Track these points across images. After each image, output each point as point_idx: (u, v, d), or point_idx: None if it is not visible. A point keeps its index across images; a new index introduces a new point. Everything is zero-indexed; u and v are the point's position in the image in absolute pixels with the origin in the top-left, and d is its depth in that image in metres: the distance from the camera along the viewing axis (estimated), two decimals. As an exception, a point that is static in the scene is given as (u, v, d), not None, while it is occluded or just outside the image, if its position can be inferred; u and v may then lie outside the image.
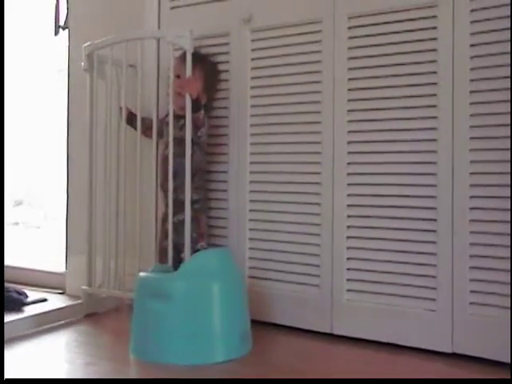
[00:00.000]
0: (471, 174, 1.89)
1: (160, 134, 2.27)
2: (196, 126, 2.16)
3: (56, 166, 3.18)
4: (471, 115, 1.88)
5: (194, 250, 2.12)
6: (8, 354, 1.97)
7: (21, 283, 2.88)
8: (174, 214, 2.18)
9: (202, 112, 2.17)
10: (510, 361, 1.78)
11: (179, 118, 2.19)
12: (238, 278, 2.00)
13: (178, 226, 2.17)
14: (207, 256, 2.00)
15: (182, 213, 2.13)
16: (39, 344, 2.09)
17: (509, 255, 1.81)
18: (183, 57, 2.16)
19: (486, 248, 1.87)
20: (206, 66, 2.29)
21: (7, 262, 3.01)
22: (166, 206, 2.21)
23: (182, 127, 2.13)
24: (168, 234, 2.18)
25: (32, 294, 2.67)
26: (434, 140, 1.96)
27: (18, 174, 3.61)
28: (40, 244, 3.78)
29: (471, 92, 1.89)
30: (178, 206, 2.15)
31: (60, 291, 2.81)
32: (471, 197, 1.89)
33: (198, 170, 2.26)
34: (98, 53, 2.39)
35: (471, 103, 1.89)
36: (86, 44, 2.39)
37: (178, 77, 2.19)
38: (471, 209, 1.89)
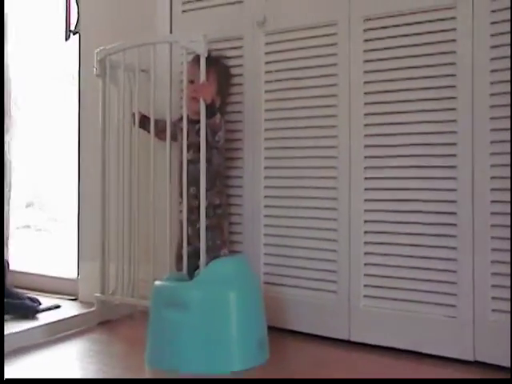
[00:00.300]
0: (492, 190, 1.87)
1: (174, 138, 2.24)
2: (213, 131, 2.14)
3: (66, 169, 3.16)
4: (492, 126, 1.87)
5: (217, 258, 2.08)
6: (21, 363, 1.97)
7: (33, 289, 2.88)
8: (195, 219, 2.15)
9: (218, 116, 2.14)
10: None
11: (195, 122, 2.15)
12: (255, 286, 1.98)
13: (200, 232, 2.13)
14: (223, 264, 1.98)
15: (206, 219, 2.11)
16: (53, 353, 2.08)
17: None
18: (196, 61, 2.14)
19: (507, 254, 1.83)
20: (220, 69, 2.28)
21: (19, 267, 3.02)
22: (188, 211, 2.17)
23: (199, 132, 2.09)
24: (189, 240, 2.16)
25: (45, 301, 2.67)
26: (454, 144, 1.94)
27: (27, 175, 3.60)
28: (50, 248, 3.76)
29: (491, 95, 1.86)
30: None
31: (73, 297, 2.79)
32: (492, 201, 1.87)
33: (218, 175, 2.25)
34: (110, 58, 2.36)
35: (491, 106, 1.86)
36: (98, 49, 2.38)
37: (191, 82, 2.17)
38: (492, 214, 1.86)
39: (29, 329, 2.21)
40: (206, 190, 2.11)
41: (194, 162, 2.15)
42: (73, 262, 2.88)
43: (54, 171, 3.59)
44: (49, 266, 3.16)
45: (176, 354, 1.85)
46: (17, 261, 3.22)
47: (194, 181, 2.13)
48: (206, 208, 2.12)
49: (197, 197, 2.12)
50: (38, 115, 3.43)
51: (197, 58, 2.14)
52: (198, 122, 2.11)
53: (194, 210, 2.15)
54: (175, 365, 1.85)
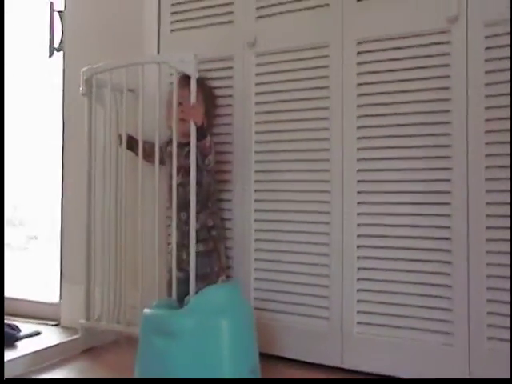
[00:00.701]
0: (487, 203, 1.86)
1: (162, 162, 2.20)
2: (203, 154, 2.10)
3: (47, 187, 3.11)
4: (487, 151, 1.87)
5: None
6: None
7: (12, 314, 2.81)
8: (189, 244, 2.09)
9: (209, 138, 2.10)
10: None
11: (184, 145, 2.13)
12: (247, 314, 1.94)
13: (197, 258, 2.08)
14: (215, 291, 1.94)
15: (201, 243, 2.11)
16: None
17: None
18: (183, 82, 2.11)
19: (502, 280, 1.83)
20: (205, 90, 2.25)
21: None
22: (180, 236, 2.13)
23: (188, 155, 2.06)
24: (182, 265, 2.13)
25: (24, 327, 2.59)
26: (449, 169, 1.94)
27: (6, 192, 3.53)
28: (29, 268, 3.68)
29: (486, 120, 1.87)
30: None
31: (54, 323, 2.73)
32: (487, 227, 1.86)
33: (209, 196, 2.22)
34: (96, 77, 2.33)
35: (486, 131, 1.86)
36: (84, 68, 2.34)
37: (180, 104, 2.13)
38: (488, 240, 1.86)
39: (8, 361, 2.13)
40: (198, 212, 2.08)
41: (183, 186, 2.12)
42: (54, 284, 2.81)
43: (35, 189, 3.52)
44: (28, 289, 3.09)
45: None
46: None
47: (184, 205, 2.10)
48: (200, 230, 2.11)
49: (187, 222, 2.09)
50: (20, 131, 3.37)
51: (183, 79, 2.11)
52: (186, 144, 2.08)
53: (185, 235, 2.10)
54: (165, 394, 1.81)
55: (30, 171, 3.47)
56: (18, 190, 3.62)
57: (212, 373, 1.82)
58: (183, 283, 2.07)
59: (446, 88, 1.93)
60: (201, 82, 2.19)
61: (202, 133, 2.07)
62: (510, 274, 1.82)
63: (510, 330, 1.81)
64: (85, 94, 2.36)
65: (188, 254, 2.09)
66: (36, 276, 3.30)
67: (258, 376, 1.91)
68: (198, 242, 2.10)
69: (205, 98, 2.23)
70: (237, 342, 1.86)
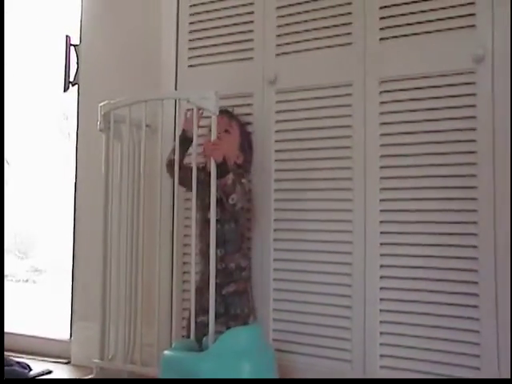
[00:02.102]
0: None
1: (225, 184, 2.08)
2: (224, 192, 2.05)
3: (55, 220, 3.11)
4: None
5: None
6: None
7: (21, 351, 2.79)
8: (220, 284, 2.08)
9: (231, 176, 2.03)
10: None
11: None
12: (269, 357, 1.94)
13: (228, 299, 2.10)
14: (236, 333, 1.93)
15: (232, 284, 2.10)
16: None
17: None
18: (227, 113, 2.18)
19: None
20: (242, 124, 2.24)
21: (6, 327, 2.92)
22: (207, 275, 2.07)
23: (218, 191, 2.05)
24: (207, 307, 2.04)
25: (35, 366, 2.57)
26: (475, 212, 1.93)
27: (13, 223, 3.53)
28: (36, 302, 3.66)
29: (513, 163, 1.87)
30: (227, 276, 2.10)
31: (65, 360, 2.70)
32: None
33: (243, 237, 2.19)
34: (114, 112, 2.33)
35: (514, 174, 1.86)
36: (102, 103, 2.35)
37: (226, 131, 2.16)
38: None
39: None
40: (234, 252, 2.11)
41: (220, 222, 2.09)
42: (63, 321, 2.79)
43: (45, 221, 3.52)
44: (36, 324, 3.07)
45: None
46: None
47: (221, 242, 2.08)
48: (234, 270, 2.11)
49: (223, 259, 2.09)
50: (31, 165, 3.38)
51: (226, 112, 2.17)
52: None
53: (218, 273, 2.05)
54: None
55: (41, 203, 3.47)
56: (26, 221, 3.62)
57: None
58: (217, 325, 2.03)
59: (473, 129, 1.94)
60: (236, 117, 2.22)
61: (223, 170, 2.04)
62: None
63: (510, 330, 1.82)
64: (102, 130, 2.36)
65: (219, 295, 2.07)
66: (44, 311, 3.28)
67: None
68: (230, 282, 2.10)
69: (241, 131, 2.22)
70: (258, 386, 1.85)
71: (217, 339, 1.91)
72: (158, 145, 2.27)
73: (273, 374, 1.93)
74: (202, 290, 2.13)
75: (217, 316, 2.05)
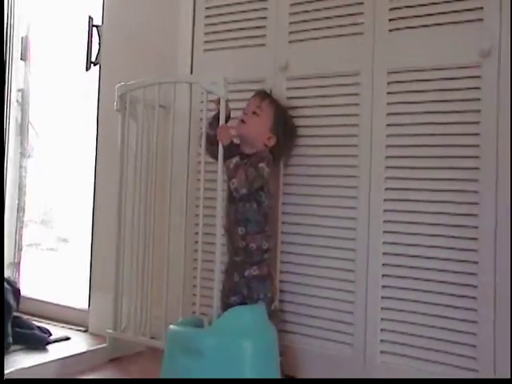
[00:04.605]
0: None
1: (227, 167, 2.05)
2: (227, 175, 2.04)
3: (81, 194, 3.11)
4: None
5: (267, 313, 1.95)
6: None
7: (43, 317, 2.84)
8: (242, 265, 2.08)
9: (234, 161, 2.02)
10: None
11: (244, 157, 2.06)
12: (271, 336, 1.92)
13: (251, 282, 2.07)
14: (240, 312, 1.92)
15: (255, 267, 2.06)
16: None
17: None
18: (258, 95, 2.13)
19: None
20: (276, 106, 2.15)
21: (30, 292, 2.97)
22: (234, 254, 2.09)
23: (247, 166, 2.02)
24: (236, 289, 2.09)
25: (55, 331, 2.61)
26: (476, 204, 1.88)
27: (41, 194, 3.55)
28: (62, 270, 3.67)
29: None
30: (248, 255, 2.06)
31: (83, 329, 2.73)
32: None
33: (266, 218, 2.09)
34: (130, 93, 2.32)
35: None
36: (118, 85, 2.33)
37: (254, 113, 2.10)
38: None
39: (39, 364, 2.17)
40: (256, 233, 2.05)
41: (243, 200, 2.06)
42: (84, 291, 2.81)
43: (69, 195, 3.53)
44: (60, 292, 3.10)
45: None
46: (27, 283, 3.17)
47: (243, 220, 2.06)
48: (255, 251, 2.06)
49: (244, 238, 2.06)
50: (57, 138, 3.39)
51: (260, 93, 2.14)
52: (246, 156, 2.06)
53: (239, 252, 2.07)
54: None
55: (66, 176, 3.47)
56: (52, 191, 3.62)
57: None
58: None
59: (477, 122, 1.88)
60: (273, 100, 2.15)
61: (228, 153, 2.03)
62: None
63: (510, 330, 1.79)
64: (119, 110, 2.36)
65: (241, 277, 2.07)
66: (67, 279, 3.30)
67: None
68: (252, 264, 2.07)
69: (275, 114, 2.13)
70: (258, 364, 1.84)
71: (221, 317, 1.91)
72: (170, 125, 2.25)
73: (274, 354, 1.91)
74: (228, 271, 2.14)
75: (241, 297, 2.08)
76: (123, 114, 2.38)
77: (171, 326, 1.93)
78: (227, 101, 2.06)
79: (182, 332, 1.90)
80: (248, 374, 1.82)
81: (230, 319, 1.88)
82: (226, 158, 2.03)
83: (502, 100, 1.83)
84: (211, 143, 2.11)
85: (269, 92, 2.20)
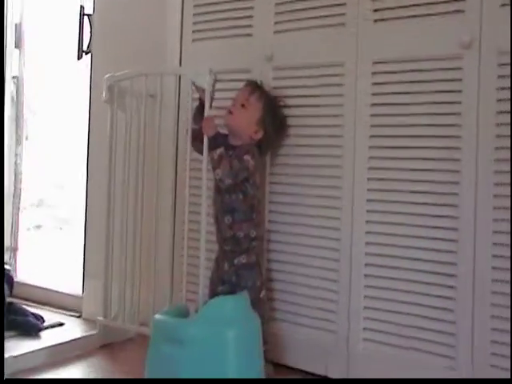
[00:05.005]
0: (494, 232, 1.81)
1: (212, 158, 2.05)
2: (212, 166, 2.03)
3: (76, 176, 3.11)
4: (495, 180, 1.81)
5: (255, 301, 2.00)
6: None
7: (38, 302, 2.87)
8: (232, 254, 2.09)
9: (218, 151, 2.01)
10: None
11: (229, 149, 2.06)
12: (254, 325, 1.92)
13: (239, 270, 2.07)
14: (222, 302, 1.92)
15: (243, 255, 2.06)
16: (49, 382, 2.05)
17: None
18: (248, 87, 2.12)
19: (507, 310, 1.78)
20: (266, 98, 2.12)
21: (26, 278, 2.99)
22: (223, 243, 2.11)
23: (232, 158, 2.02)
24: (224, 277, 2.11)
25: (49, 317, 2.63)
26: (456, 195, 1.88)
27: (38, 176, 3.55)
28: (60, 252, 3.68)
29: (496, 148, 1.80)
30: (236, 243, 2.06)
31: (77, 314, 2.75)
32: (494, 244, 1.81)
33: (254, 207, 2.09)
34: (118, 84, 2.31)
35: (495, 160, 1.79)
36: (106, 76, 2.33)
37: (242, 106, 2.08)
38: (493, 268, 1.81)
39: (30, 352, 2.19)
40: (242, 221, 2.05)
41: (229, 191, 2.06)
42: (78, 277, 2.83)
43: (64, 178, 3.53)
44: (57, 277, 3.11)
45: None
46: (25, 267, 3.20)
47: (229, 210, 2.06)
48: (243, 239, 2.06)
49: (231, 227, 2.06)
50: (52, 124, 3.39)
51: (250, 85, 2.12)
52: (232, 148, 2.06)
53: (228, 242, 2.08)
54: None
55: (62, 161, 3.48)
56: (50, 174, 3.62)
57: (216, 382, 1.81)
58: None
59: (458, 113, 1.87)
60: (263, 92, 2.13)
61: (210, 144, 2.02)
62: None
63: (510, 329, 1.77)
64: (107, 101, 2.34)
65: (231, 265, 2.07)
66: (64, 263, 3.30)
67: (263, 385, 1.89)
68: (241, 253, 2.07)
69: (264, 106, 2.10)
70: (242, 353, 1.86)
71: (204, 306, 1.91)
72: (157, 114, 2.27)
73: (257, 342, 1.92)
74: (217, 260, 2.15)
75: (230, 286, 2.08)
76: (111, 106, 2.37)
77: (156, 316, 1.94)
78: (213, 90, 2.04)
79: (166, 322, 1.91)
80: (231, 363, 1.83)
81: (213, 309, 1.89)
82: (211, 148, 2.02)
83: (482, 92, 1.81)
84: (195, 138, 2.11)
85: (259, 83, 2.17)
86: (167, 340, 1.86)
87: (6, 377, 2.01)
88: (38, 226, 4.15)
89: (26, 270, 3.22)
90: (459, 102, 1.86)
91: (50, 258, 3.53)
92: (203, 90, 2.04)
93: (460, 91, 1.86)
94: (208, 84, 2.02)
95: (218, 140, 2.04)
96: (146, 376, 1.88)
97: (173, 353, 1.83)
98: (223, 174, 2.00)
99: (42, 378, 1.77)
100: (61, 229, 4.20)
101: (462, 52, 1.84)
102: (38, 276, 3.11)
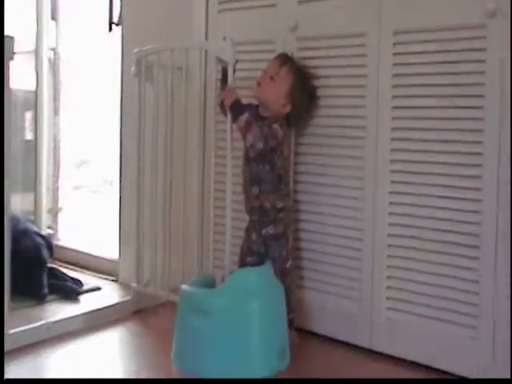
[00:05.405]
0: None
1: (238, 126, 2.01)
2: (241, 135, 1.98)
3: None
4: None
5: (282, 271, 2.02)
6: (56, 353, 2.04)
7: (78, 265, 2.97)
8: (259, 224, 2.08)
9: (243, 118, 1.95)
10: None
11: (260, 119, 2.03)
12: (278, 296, 1.93)
13: (268, 241, 2.07)
14: (246, 274, 1.94)
15: (271, 226, 2.06)
16: (85, 346, 2.12)
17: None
18: (279, 59, 2.09)
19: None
20: (296, 71, 2.08)
21: (66, 242, 3.07)
22: (251, 213, 2.11)
23: (262, 126, 1.98)
24: (253, 248, 2.12)
25: (87, 280, 2.72)
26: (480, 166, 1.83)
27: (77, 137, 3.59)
28: (102, 212, 3.71)
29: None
30: (263, 214, 2.06)
31: (114, 278, 2.81)
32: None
33: (282, 178, 2.07)
34: (146, 58, 2.31)
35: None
36: (135, 50, 2.34)
37: (271, 78, 2.05)
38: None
39: (68, 317, 2.25)
40: (270, 192, 2.05)
41: (256, 162, 2.04)
42: (115, 242, 2.88)
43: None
44: (97, 240, 3.17)
45: (198, 359, 1.85)
46: (67, 229, 3.28)
47: (257, 180, 2.05)
48: (269, 210, 2.05)
49: (258, 197, 2.06)
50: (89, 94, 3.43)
51: (280, 57, 2.09)
52: (263, 118, 2.03)
53: (255, 211, 2.08)
54: (197, 368, 1.85)
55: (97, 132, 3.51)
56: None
57: (241, 352, 1.84)
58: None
59: (481, 84, 1.81)
60: (293, 65, 2.09)
61: (234, 113, 1.98)
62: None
63: (510, 329, 1.77)
64: (136, 75, 2.36)
65: (259, 236, 2.08)
66: (104, 226, 3.35)
67: (287, 355, 1.91)
68: (269, 223, 2.07)
69: (293, 78, 2.06)
70: (266, 323, 1.87)
71: (229, 278, 1.93)
72: (184, 85, 2.28)
73: (281, 313, 1.93)
74: (247, 230, 2.15)
75: (258, 257, 2.09)
76: (140, 79, 2.38)
77: (183, 286, 1.97)
78: (236, 61, 2.01)
79: (192, 292, 1.94)
80: (256, 333, 1.84)
81: (237, 281, 1.90)
82: (235, 117, 1.98)
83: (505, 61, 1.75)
84: (222, 105, 2.09)
85: (290, 55, 2.13)
86: (193, 310, 1.88)
87: (43, 338, 2.09)
88: (80, 187, 4.16)
89: (67, 232, 3.30)
90: (483, 72, 1.80)
91: (92, 219, 3.58)
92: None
93: (483, 61, 1.79)
94: (230, 58, 1.99)
95: (241, 109, 2.00)
96: (174, 346, 1.92)
97: (198, 323, 1.85)
98: (254, 138, 1.94)
99: (42, 378, 1.83)
100: (101, 191, 4.20)
101: (486, 21, 1.77)
102: (78, 238, 3.19)
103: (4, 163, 1.90)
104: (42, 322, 2.15)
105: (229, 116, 2.01)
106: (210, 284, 2.02)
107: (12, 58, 1.90)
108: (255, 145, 1.96)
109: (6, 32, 1.92)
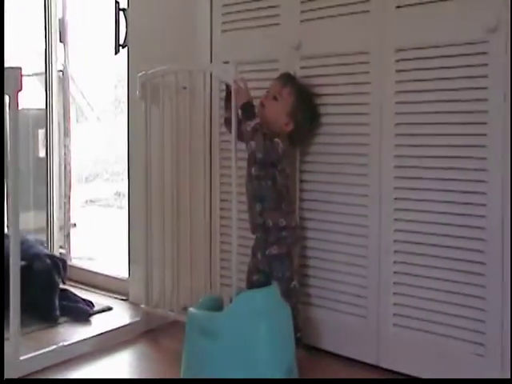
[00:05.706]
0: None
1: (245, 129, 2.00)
2: (245, 139, 1.98)
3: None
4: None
5: (287, 291, 1.98)
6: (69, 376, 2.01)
7: (89, 284, 2.96)
8: (263, 244, 2.07)
9: (251, 123, 1.95)
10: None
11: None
12: (285, 317, 1.90)
13: (272, 261, 2.05)
14: (252, 296, 1.90)
15: (275, 246, 2.04)
16: (94, 371, 2.09)
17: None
18: (281, 80, 2.08)
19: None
20: (297, 90, 2.07)
21: (76, 261, 3.06)
22: (255, 231, 2.09)
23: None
24: (259, 266, 2.10)
25: (98, 300, 2.70)
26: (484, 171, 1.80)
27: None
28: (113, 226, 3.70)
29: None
30: (266, 232, 2.04)
31: (124, 297, 2.79)
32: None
33: (283, 197, 2.05)
34: (151, 81, 2.32)
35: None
36: (139, 74, 2.36)
37: (274, 98, 2.05)
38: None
39: (78, 341, 2.22)
40: (272, 210, 2.03)
41: (259, 178, 2.04)
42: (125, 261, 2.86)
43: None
44: (108, 258, 3.16)
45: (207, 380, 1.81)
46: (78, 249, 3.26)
47: (259, 197, 2.04)
48: (272, 228, 2.03)
49: (261, 214, 2.04)
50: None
51: (282, 77, 2.08)
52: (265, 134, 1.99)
53: (258, 229, 2.07)
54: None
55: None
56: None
57: (250, 374, 1.80)
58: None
59: (484, 99, 1.78)
60: (295, 85, 2.08)
61: (244, 114, 1.97)
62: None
63: (511, 333, 1.73)
64: (141, 98, 2.36)
65: (263, 255, 2.06)
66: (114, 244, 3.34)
67: (295, 372, 1.88)
68: (272, 243, 2.05)
69: (295, 98, 2.06)
70: (274, 344, 1.83)
71: (235, 299, 1.90)
72: (188, 105, 2.29)
73: (288, 333, 1.90)
74: (253, 248, 2.14)
75: (264, 275, 2.08)
76: (146, 102, 2.38)
77: (190, 309, 1.94)
78: (243, 79, 2.02)
79: (200, 315, 1.91)
80: (263, 354, 1.82)
81: (244, 302, 1.87)
82: (245, 119, 1.97)
83: (508, 76, 1.72)
84: (228, 124, 2.10)
85: (292, 75, 2.12)
86: (201, 333, 1.86)
87: (54, 363, 2.07)
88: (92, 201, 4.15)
89: (79, 249, 3.29)
90: (485, 88, 1.77)
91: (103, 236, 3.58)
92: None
93: (486, 76, 1.77)
94: (232, 80, 2.00)
95: (253, 113, 1.99)
96: (182, 368, 1.89)
97: (206, 345, 1.82)
98: (257, 146, 1.95)
99: (43, 378, 1.81)
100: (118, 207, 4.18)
101: (488, 36, 1.74)
102: (89, 255, 3.18)
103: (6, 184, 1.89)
104: (54, 346, 2.14)
105: (233, 133, 2.01)
106: (217, 305, 1.99)
107: (20, 90, 1.88)
108: (256, 153, 1.97)
109: (16, 62, 1.92)
